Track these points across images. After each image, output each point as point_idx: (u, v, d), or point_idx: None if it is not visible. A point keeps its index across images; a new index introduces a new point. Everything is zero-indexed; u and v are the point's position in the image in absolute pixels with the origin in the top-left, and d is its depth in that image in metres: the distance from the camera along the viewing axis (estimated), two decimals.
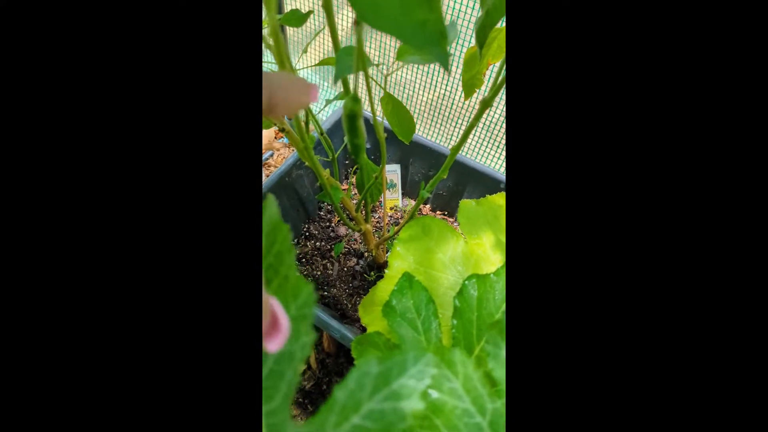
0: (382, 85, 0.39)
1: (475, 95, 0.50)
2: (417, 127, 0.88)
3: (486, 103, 0.40)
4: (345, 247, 0.67)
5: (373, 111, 0.35)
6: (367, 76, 0.29)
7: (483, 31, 0.36)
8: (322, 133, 0.41)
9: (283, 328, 0.17)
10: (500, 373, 0.24)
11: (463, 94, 0.46)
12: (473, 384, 0.24)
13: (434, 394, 0.24)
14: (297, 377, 0.19)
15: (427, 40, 0.20)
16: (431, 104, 0.89)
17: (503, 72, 0.38)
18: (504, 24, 0.41)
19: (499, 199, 0.52)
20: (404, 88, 0.88)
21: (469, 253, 0.44)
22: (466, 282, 0.35)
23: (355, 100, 0.27)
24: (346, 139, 0.29)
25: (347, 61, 0.28)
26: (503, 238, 0.47)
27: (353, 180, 0.55)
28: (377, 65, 0.31)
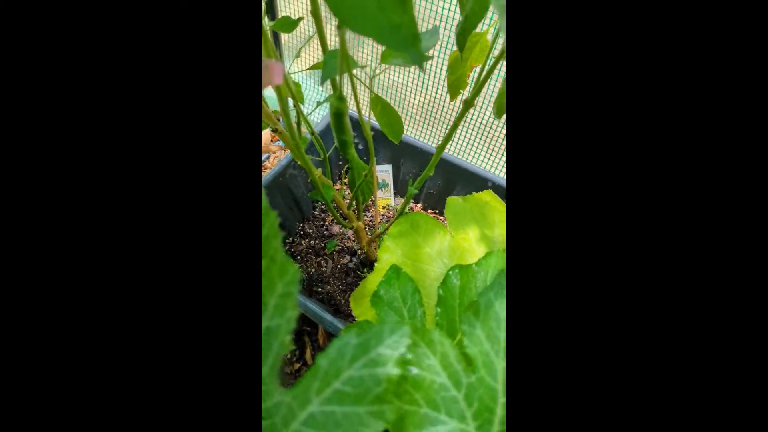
0: (370, 87, 0.41)
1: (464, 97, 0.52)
2: (409, 129, 0.91)
3: (468, 104, 0.42)
4: (339, 245, 0.69)
5: (358, 110, 0.37)
6: (351, 77, 0.31)
7: (463, 36, 0.38)
8: (312, 133, 0.43)
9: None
10: (474, 350, 0.26)
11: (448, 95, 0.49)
12: (449, 361, 0.26)
13: (414, 370, 0.26)
14: (284, 348, 0.21)
15: (402, 42, 0.22)
16: (423, 107, 0.92)
17: (485, 72, 0.40)
18: (484, 29, 0.44)
19: (485, 196, 0.54)
20: (396, 91, 0.90)
21: (455, 247, 0.46)
22: (450, 272, 0.37)
23: (340, 98, 0.29)
24: (334, 135, 0.31)
25: (333, 63, 0.30)
26: (488, 233, 0.49)
27: (345, 179, 0.57)
28: (363, 67, 0.33)
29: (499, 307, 0.27)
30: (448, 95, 0.79)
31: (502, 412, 0.25)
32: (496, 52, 0.41)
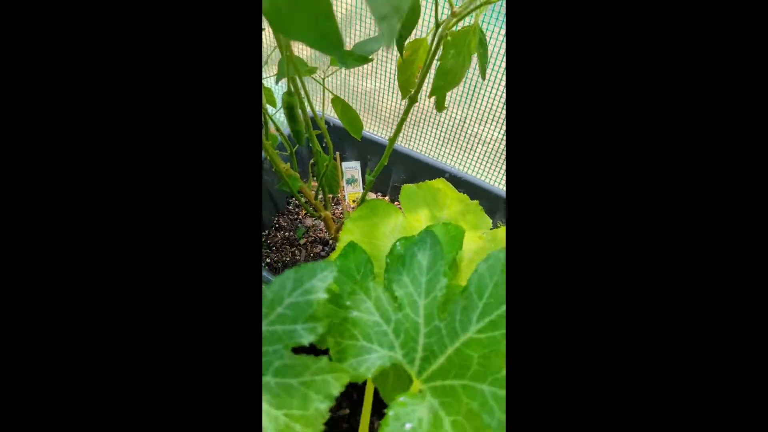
0: (323, 84, 0.48)
1: (432, 101, 0.58)
2: (382, 130, 0.97)
3: (412, 100, 0.48)
4: (311, 236, 0.74)
5: (312, 108, 0.43)
6: (299, 77, 0.37)
7: (401, 42, 0.44)
8: (277, 129, 0.49)
9: None
10: (401, 292, 0.32)
11: (424, 100, 0.55)
12: (381, 303, 0.32)
13: (354, 313, 0.32)
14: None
15: (329, 45, 0.29)
16: (394, 110, 0.98)
17: (423, 72, 0.46)
18: (424, 35, 0.50)
19: (438, 183, 0.60)
20: (368, 96, 0.96)
21: (408, 226, 0.52)
22: (396, 243, 0.43)
23: (290, 94, 0.35)
24: (288, 127, 0.37)
25: (284, 67, 0.36)
26: (438, 214, 0.55)
27: (312, 171, 0.63)
28: (314, 69, 0.39)
29: (421, 257, 0.33)
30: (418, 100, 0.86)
31: (423, 341, 0.30)
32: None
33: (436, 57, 0.44)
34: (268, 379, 0.24)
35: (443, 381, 0.28)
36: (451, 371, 0.28)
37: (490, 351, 0.27)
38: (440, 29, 0.42)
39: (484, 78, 0.45)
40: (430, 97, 0.44)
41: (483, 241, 0.50)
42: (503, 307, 0.28)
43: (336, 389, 0.24)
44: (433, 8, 0.40)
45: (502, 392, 0.25)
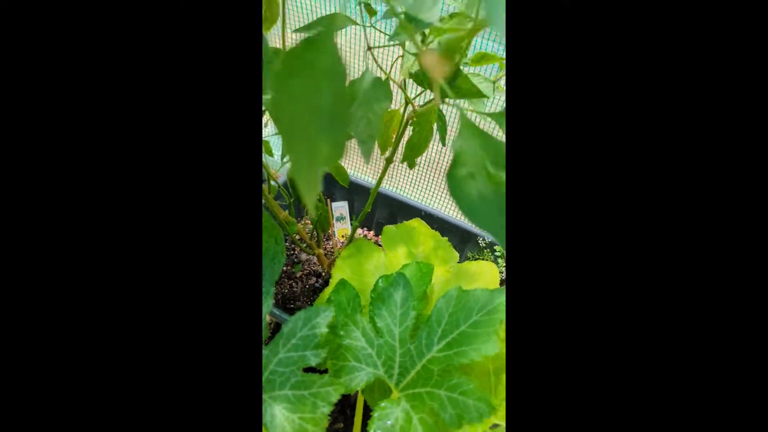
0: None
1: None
2: (368, 169, 1.08)
3: (388, 161, 0.59)
4: (306, 269, 0.84)
5: None
6: None
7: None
8: (275, 180, 0.59)
9: None
10: (381, 323, 0.42)
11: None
12: (367, 332, 0.42)
13: (347, 341, 0.42)
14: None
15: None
16: (377, 154, 1.10)
17: (396, 137, 0.58)
18: (397, 107, 0.61)
19: (414, 223, 0.70)
20: (356, 144, 1.08)
21: (389, 263, 0.63)
22: (378, 280, 0.53)
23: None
24: (287, 181, 0.47)
25: None
26: (414, 251, 0.66)
27: (305, 211, 0.73)
28: None
29: (396, 296, 0.43)
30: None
31: (398, 360, 0.40)
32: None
33: (407, 130, 0.55)
34: (286, 392, 0.34)
35: (413, 390, 0.38)
36: (419, 382, 0.38)
37: (446, 365, 0.38)
38: (408, 110, 0.53)
39: (444, 145, 0.56)
40: (401, 162, 0.55)
41: (450, 274, 0.61)
42: (456, 333, 0.39)
43: (335, 397, 0.34)
44: (406, 84, 0.51)
45: (454, 395, 0.35)
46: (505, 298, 0.41)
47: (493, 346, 0.36)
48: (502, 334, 0.44)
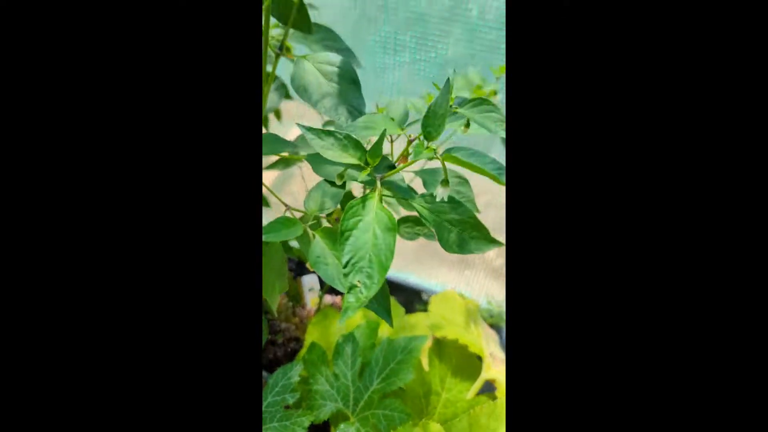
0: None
1: None
2: None
3: None
4: (286, 335, 1.01)
5: None
6: None
7: None
8: None
9: None
10: (338, 370, 0.60)
11: None
12: (329, 378, 0.60)
13: (316, 386, 0.60)
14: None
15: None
16: None
17: None
18: None
19: None
20: None
21: (348, 324, 0.81)
22: (339, 339, 0.72)
23: None
24: None
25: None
26: (367, 313, 0.85)
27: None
28: None
29: (348, 349, 0.61)
30: None
31: (352, 395, 0.58)
32: None
33: None
34: (275, 425, 0.51)
35: (363, 413, 0.55)
36: (366, 408, 0.56)
37: (383, 394, 0.56)
38: None
39: None
40: None
41: (394, 328, 0.80)
42: (387, 370, 0.57)
43: (307, 424, 0.51)
44: None
45: (386, 411, 0.53)
46: (421, 343, 0.60)
47: (410, 375, 0.55)
48: (425, 364, 0.62)
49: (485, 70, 0.73)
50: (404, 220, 0.45)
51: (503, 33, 0.69)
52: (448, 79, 0.22)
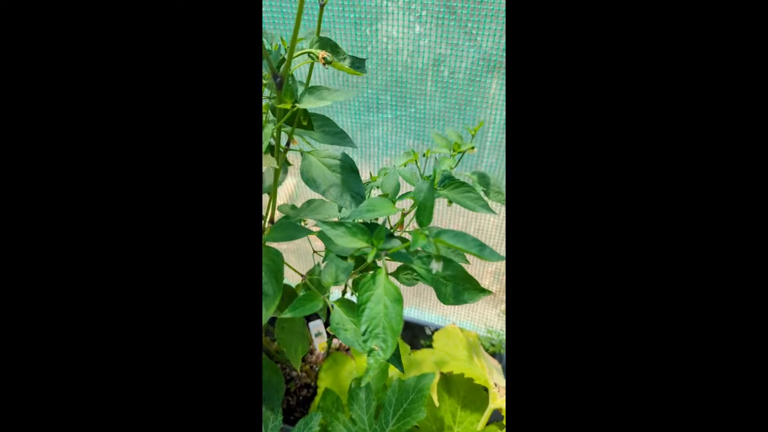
0: None
1: None
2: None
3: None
4: (297, 383, 1.04)
5: None
6: None
7: None
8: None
9: None
10: (354, 415, 0.64)
11: None
12: (346, 423, 0.64)
13: (333, 431, 0.63)
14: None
15: None
16: None
17: None
18: None
19: None
20: None
21: (358, 366, 0.85)
22: (351, 384, 0.76)
23: None
24: None
25: None
26: None
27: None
28: None
29: (362, 394, 0.66)
30: None
31: None
32: None
33: None
34: None
35: None
36: None
37: None
38: None
39: None
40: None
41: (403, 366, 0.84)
42: (401, 410, 0.61)
43: None
44: None
45: None
46: (430, 381, 0.64)
47: (422, 414, 0.59)
48: (435, 399, 0.66)
49: (459, 121, 0.82)
50: (404, 268, 0.51)
51: (472, 89, 0.78)
52: (433, 177, 0.29)
